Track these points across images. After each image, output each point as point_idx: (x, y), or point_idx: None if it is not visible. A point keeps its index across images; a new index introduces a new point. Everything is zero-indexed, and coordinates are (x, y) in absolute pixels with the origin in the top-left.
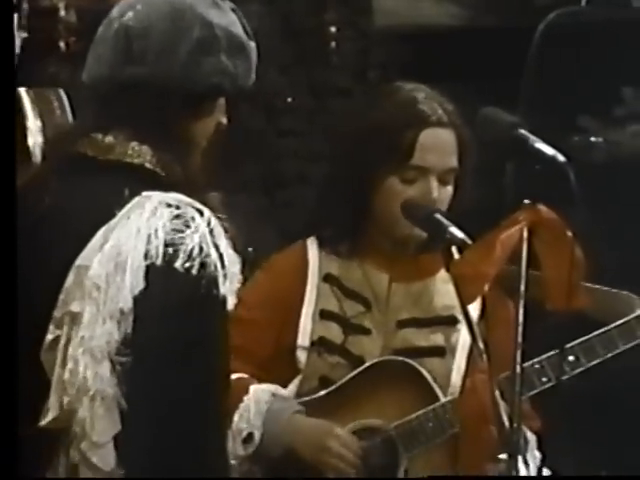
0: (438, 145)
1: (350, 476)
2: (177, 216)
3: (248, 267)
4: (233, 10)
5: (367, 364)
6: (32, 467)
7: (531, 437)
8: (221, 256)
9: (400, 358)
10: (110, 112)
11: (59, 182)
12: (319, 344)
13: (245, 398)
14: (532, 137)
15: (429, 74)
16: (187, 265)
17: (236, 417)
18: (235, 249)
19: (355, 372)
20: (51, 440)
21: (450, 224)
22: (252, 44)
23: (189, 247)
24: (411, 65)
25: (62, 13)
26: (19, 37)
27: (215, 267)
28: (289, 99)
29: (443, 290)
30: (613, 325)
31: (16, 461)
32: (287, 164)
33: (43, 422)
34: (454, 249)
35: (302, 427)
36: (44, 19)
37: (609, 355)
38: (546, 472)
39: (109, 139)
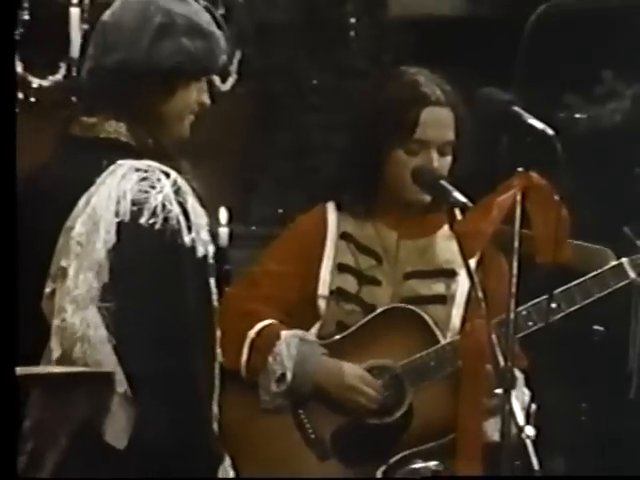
0: (437, 121)
1: (370, 408)
2: (144, 179)
3: (278, 226)
4: (206, 8)
5: (378, 311)
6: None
7: (519, 375)
8: (185, 211)
9: (406, 305)
10: (94, 97)
11: (53, 160)
12: (337, 293)
13: (277, 343)
14: (524, 113)
15: (434, 58)
16: (151, 221)
17: (270, 359)
18: (202, 205)
19: (368, 318)
20: None
21: (453, 189)
22: (218, 32)
23: (152, 205)
24: (419, 50)
25: None
26: (81, 29)
27: (178, 221)
28: (315, 80)
29: (444, 246)
30: (589, 275)
31: (16, 461)
32: (313, 135)
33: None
34: (457, 211)
35: (329, 368)
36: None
37: (586, 302)
38: (534, 407)
39: (92, 119)
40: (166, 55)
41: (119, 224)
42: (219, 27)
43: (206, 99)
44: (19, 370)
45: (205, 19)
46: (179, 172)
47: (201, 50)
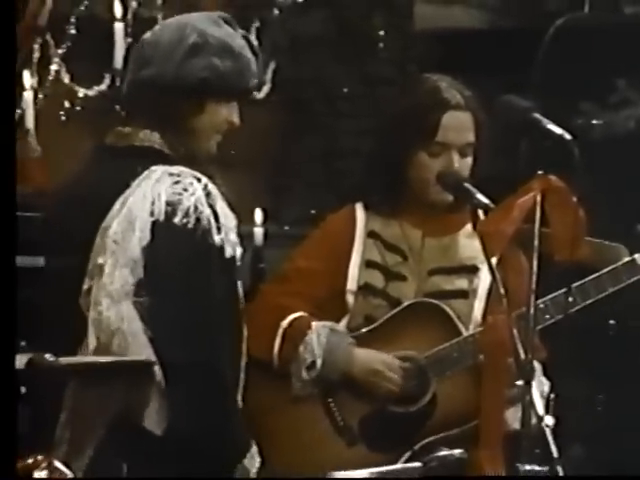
0: (458, 125)
1: (394, 393)
2: (177, 182)
3: (310, 226)
4: (243, 36)
5: (403, 305)
6: None
7: (537, 366)
8: (215, 213)
9: (430, 300)
10: (130, 108)
11: (90, 166)
12: (364, 288)
13: (308, 332)
14: (543, 119)
15: (457, 68)
16: (184, 221)
17: (301, 348)
18: (231, 209)
19: (394, 312)
20: None
21: (476, 191)
22: (251, 56)
23: (185, 206)
24: (443, 60)
25: (160, 22)
26: (125, 43)
27: (208, 222)
28: (344, 88)
29: (466, 244)
30: (604, 271)
31: (16, 461)
32: (343, 140)
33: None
34: (480, 211)
35: (356, 355)
36: (145, 27)
37: (600, 296)
38: (552, 397)
39: (127, 129)
40: (194, 71)
41: (154, 223)
42: (253, 53)
43: (236, 119)
44: (61, 360)
45: (239, 43)
46: (209, 178)
47: (230, 70)
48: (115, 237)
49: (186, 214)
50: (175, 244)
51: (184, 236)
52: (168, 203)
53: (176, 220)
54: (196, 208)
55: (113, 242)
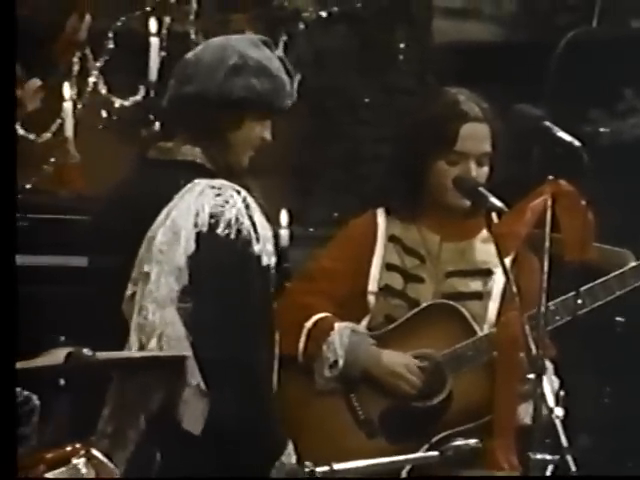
0: (475, 135)
1: (411, 393)
2: (218, 195)
3: (333, 228)
4: (279, 58)
5: (422, 306)
6: None
7: (549, 365)
8: (254, 224)
9: (447, 301)
10: (170, 121)
11: (132, 180)
12: (385, 290)
13: (331, 333)
14: (554, 127)
15: (473, 78)
16: (226, 231)
17: (324, 347)
18: (267, 220)
19: (412, 312)
20: None
21: (491, 195)
22: (286, 78)
23: (227, 218)
24: (460, 71)
25: (192, 37)
26: (159, 56)
27: (248, 232)
28: (366, 98)
29: (481, 248)
30: (611, 275)
31: (16, 461)
32: (365, 147)
33: None
34: (494, 215)
35: (377, 355)
36: (178, 42)
37: (607, 299)
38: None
39: (169, 144)
40: (235, 90)
41: (198, 234)
42: (288, 73)
43: (268, 136)
44: (101, 355)
45: (275, 65)
46: (247, 190)
47: (267, 90)
48: (161, 247)
49: (228, 225)
50: (218, 253)
51: (227, 246)
52: (211, 215)
53: (219, 231)
54: (237, 219)
55: (159, 251)
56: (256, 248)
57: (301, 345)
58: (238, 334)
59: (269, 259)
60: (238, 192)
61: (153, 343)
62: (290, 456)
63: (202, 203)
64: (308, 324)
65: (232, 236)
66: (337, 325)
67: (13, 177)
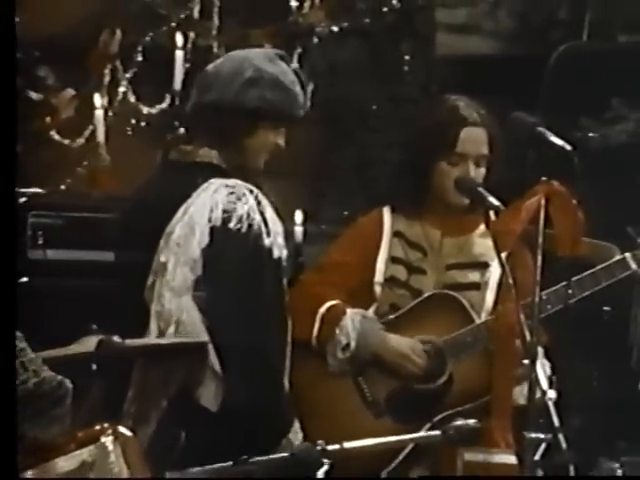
0: (474, 139)
1: (417, 374)
2: (232, 193)
3: (343, 226)
4: (294, 71)
5: (424, 296)
6: None
7: (540, 350)
8: (265, 220)
9: (447, 291)
10: (193, 127)
11: (156, 179)
12: (390, 281)
13: (343, 318)
14: (547, 132)
15: (473, 88)
16: (238, 226)
17: (337, 331)
18: (279, 216)
19: (415, 301)
20: None
21: (489, 195)
22: (299, 90)
23: (239, 213)
24: (461, 82)
25: (215, 50)
26: (184, 68)
27: (259, 227)
28: (374, 106)
29: (479, 242)
30: (599, 267)
31: (16, 461)
32: (373, 152)
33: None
34: (492, 213)
35: (385, 339)
36: (202, 55)
37: (595, 289)
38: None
39: (189, 147)
40: (249, 100)
41: (212, 228)
42: (302, 86)
43: (282, 142)
44: (129, 342)
45: (290, 79)
46: (259, 189)
47: (280, 102)
48: (178, 240)
49: (240, 220)
50: (230, 246)
51: (238, 239)
52: (224, 211)
53: (231, 225)
54: (249, 215)
55: (176, 244)
56: (267, 241)
57: (315, 329)
58: (249, 319)
59: (280, 252)
60: (251, 191)
61: (171, 329)
62: (297, 434)
63: (216, 200)
64: (322, 310)
65: (243, 230)
66: (349, 311)
67: (13, 177)
